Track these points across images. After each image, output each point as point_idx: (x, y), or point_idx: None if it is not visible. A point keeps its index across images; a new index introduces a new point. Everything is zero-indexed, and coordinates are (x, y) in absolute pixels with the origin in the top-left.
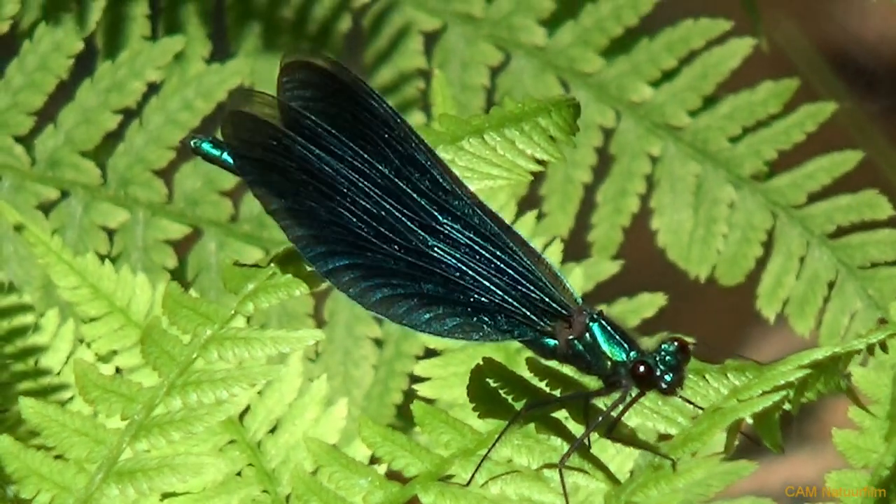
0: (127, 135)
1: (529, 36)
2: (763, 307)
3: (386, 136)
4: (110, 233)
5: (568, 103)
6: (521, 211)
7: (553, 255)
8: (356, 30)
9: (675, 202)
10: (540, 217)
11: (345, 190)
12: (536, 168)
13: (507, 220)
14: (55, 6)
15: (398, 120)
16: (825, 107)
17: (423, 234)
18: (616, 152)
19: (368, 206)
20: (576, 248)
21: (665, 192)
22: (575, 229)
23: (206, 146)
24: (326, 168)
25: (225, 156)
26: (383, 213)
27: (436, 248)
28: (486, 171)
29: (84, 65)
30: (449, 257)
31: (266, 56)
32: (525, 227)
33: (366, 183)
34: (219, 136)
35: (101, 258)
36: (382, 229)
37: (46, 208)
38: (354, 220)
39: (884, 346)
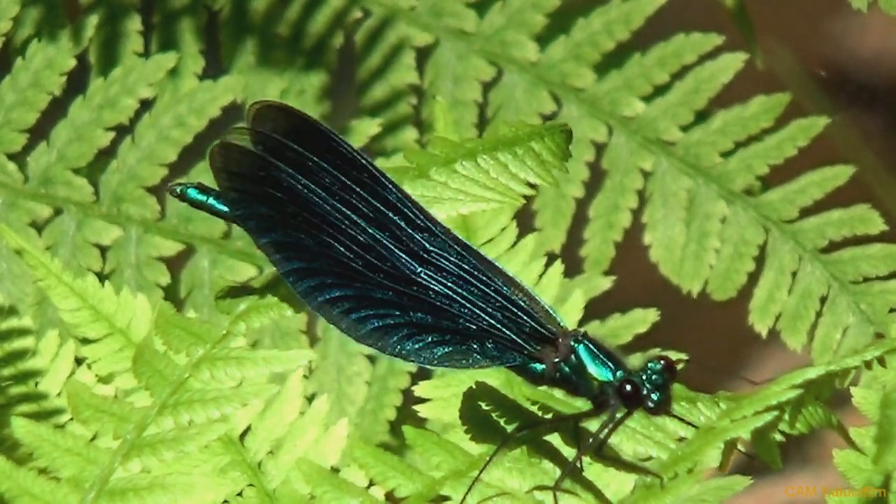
0: (119, 152)
1: (521, 51)
2: (755, 322)
3: (355, 177)
4: (103, 250)
5: (561, 129)
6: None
7: (554, 277)
8: (349, 45)
9: (667, 217)
10: (532, 231)
11: (332, 219)
12: (529, 192)
13: (509, 243)
14: (48, 23)
15: (363, 161)
16: (817, 121)
17: (410, 260)
18: (608, 167)
19: (355, 234)
20: (568, 264)
21: (657, 207)
22: (567, 244)
23: (193, 192)
24: (313, 197)
25: (211, 200)
26: (371, 241)
27: (423, 275)
28: (479, 193)
29: (77, 81)
30: (437, 283)
31: (259, 72)
32: (525, 249)
33: (351, 212)
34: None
35: (98, 278)
36: (370, 257)
37: (39, 226)
38: (342, 249)
39: (882, 362)
